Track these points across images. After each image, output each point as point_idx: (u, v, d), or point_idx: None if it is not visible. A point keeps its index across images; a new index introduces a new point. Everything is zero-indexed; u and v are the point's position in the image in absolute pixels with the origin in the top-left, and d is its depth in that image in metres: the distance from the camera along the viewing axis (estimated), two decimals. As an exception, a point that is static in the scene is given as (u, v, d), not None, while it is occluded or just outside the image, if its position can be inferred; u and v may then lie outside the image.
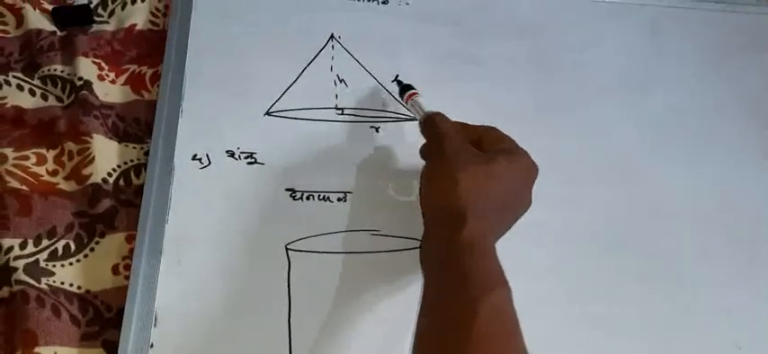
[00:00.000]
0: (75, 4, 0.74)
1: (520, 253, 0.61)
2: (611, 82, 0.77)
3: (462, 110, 0.71)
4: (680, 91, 0.78)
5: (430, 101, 0.72)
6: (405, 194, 0.65)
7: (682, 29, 0.84)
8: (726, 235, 0.67)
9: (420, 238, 0.62)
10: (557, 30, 0.80)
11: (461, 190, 0.51)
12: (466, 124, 0.60)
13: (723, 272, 0.65)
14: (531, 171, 0.56)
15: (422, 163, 0.60)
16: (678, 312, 0.62)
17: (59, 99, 0.67)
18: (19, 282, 0.54)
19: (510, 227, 0.55)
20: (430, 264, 0.52)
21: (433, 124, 0.59)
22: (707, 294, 0.63)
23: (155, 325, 0.54)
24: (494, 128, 0.59)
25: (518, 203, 0.56)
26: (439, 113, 0.60)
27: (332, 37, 0.75)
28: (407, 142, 0.68)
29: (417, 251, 0.62)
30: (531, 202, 0.57)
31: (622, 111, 0.75)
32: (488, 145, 0.57)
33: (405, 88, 0.67)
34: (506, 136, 0.58)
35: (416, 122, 0.72)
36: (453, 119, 0.71)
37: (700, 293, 0.63)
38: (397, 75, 0.71)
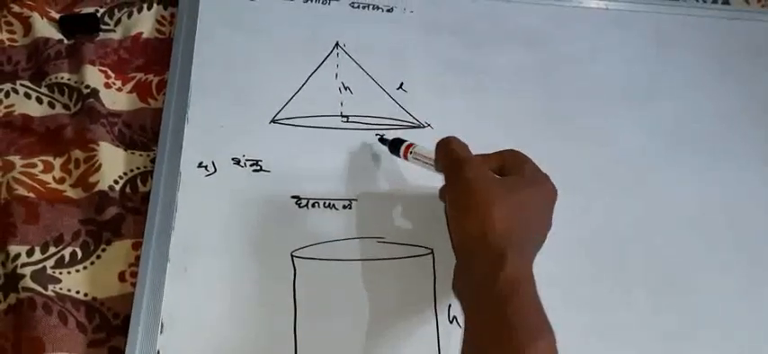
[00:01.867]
0: (82, 12, 0.74)
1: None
2: (616, 90, 0.77)
3: (468, 118, 0.72)
4: (686, 99, 0.78)
5: (435, 109, 0.72)
6: (410, 202, 0.65)
7: (687, 37, 0.84)
8: (732, 244, 0.67)
9: (425, 246, 0.62)
10: (562, 38, 0.81)
11: (497, 224, 0.50)
12: (484, 154, 0.57)
13: (730, 282, 0.65)
14: (553, 195, 0.56)
15: (434, 179, 0.60)
16: (685, 322, 0.62)
17: (66, 107, 0.67)
18: (26, 289, 0.55)
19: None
20: (469, 302, 0.50)
21: (449, 151, 0.56)
22: (714, 304, 0.63)
23: (161, 332, 0.54)
24: (515, 151, 0.57)
25: (544, 229, 0.55)
26: (452, 138, 0.57)
27: (337, 45, 0.75)
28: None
29: (423, 258, 0.62)
30: (551, 225, 0.56)
31: (628, 120, 0.75)
32: (511, 168, 0.56)
33: (396, 143, 0.63)
34: (528, 158, 0.57)
35: (421, 128, 0.73)
36: (459, 127, 0.71)
37: (707, 303, 0.63)
38: (382, 135, 0.66)
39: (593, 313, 0.61)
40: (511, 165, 0.56)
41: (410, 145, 0.62)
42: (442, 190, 0.59)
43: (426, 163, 0.60)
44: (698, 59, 0.82)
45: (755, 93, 0.80)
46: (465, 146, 0.56)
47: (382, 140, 0.65)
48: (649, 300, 0.62)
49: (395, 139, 0.64)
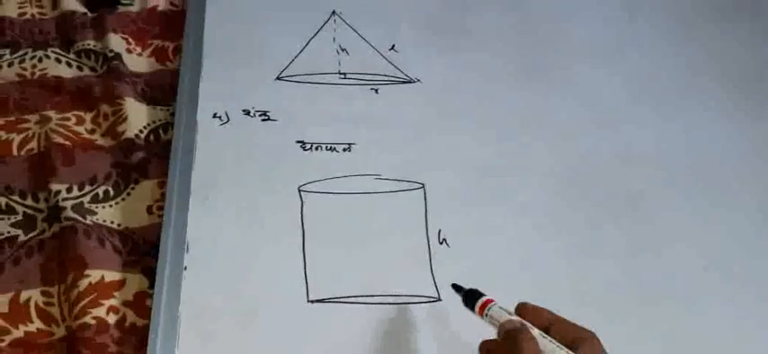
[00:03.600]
0: (103, -12, 0.82)
1: (509, 191, 0.70)
2: (589, 47, 0.85)
3: (453, 73, 0.80)
4: (653, 55, 0.86)
5: (424, 66, 0.81)
6: (401, 144, 0.72)
7: (656, -1, 0.92)
8: (692, 176, 0.75)
9: (416, 181, 0.70)
10: (539, 1, 0.89)
11: None
12: (560, 322, 0.49)
13: (690, 205, 0.72)
14: None
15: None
16: (649, 238, 0.68)
17: (93, 69, 0.76)
18: (68, 218, 0.62)
19: None
20: None
21: (514, 343, 0.47)
22: (676, 224, 0.70)
23: (187, 251, 0.61)
24: (594, 340, 0.48)
25: None
26: (523, 330, 0.48)
27: (334, 13, 0.83)
28: (404, 100, 0.77)
29: (414, 192, 0.70)
30: None
31: (600, 73, 0.83)
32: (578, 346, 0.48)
33: (471, 295, 0.54)
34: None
35: (411, 83, 0.80)
36: (448, 84, 0.79)
37: (669, 223, 0.70)
38: (457, 285, 0.55)
39: (570, 233, 0.68)
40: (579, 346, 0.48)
41: (489, 301, 0.52)
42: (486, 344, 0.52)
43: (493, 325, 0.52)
44: (665, 20, 0.90)
45: (717, 52, 0.87)
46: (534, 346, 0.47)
47: (456, 288, 0.55)
48: (618, 222, 0.69)
49: (470, 291, 0.54)
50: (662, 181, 0.73)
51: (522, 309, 0.51)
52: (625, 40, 0.87)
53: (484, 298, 0.52)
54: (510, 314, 0.50)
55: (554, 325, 0.48)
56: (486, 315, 0.52)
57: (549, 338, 0.48)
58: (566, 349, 0.47)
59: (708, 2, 0.93)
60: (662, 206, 0.71)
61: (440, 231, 0.67)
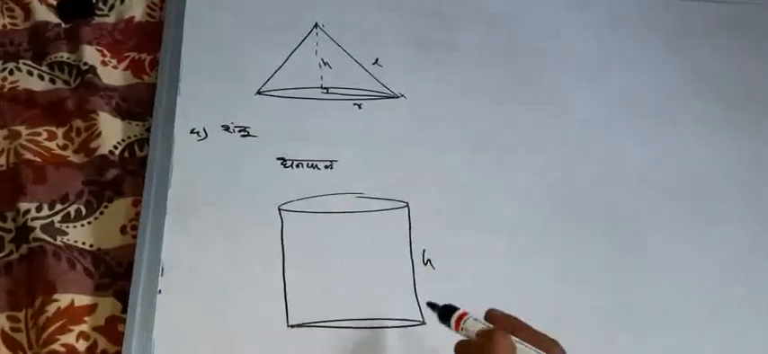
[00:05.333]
0: (78, -2, 0.80)
1: (495, 210, 0.69)
2: (573, 64, 0.84)
3: (438, 89, 0.78)
4: (635, 72, 0.85)
5: (408, 82, 0.79)
6: (384, 161, 0.71)
7: (639, 17, 0.91)
8: (677, 194, 0.74)
9: (400, 200, 0.68)
10: (525, 19, 0.87)
11: None
12: (526, 329, 0.50)
13: (675, 225, 0.71)
14: None
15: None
16: (634, 258, 0.68)
17: (67, 82, 0.73)
18: (37, 239, 0.60)
19: None
20: None
21: (489, 340, 0.49)
22: (660, 244, 0.69)
23: (162, 275, 0.59)
24: (557, 347, 0.50)
25: None
26: (498, 329, 0.49)
27: (316, 25, 0.81)
28: (387, 116, 0.75)
29: (397, 211, 0.68)
30: None
31: (584, 90, 0.82)
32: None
33: (447, 311, 0.53)
34: None
35: (395, 99, 0.79)
36: (433, 101, 0.78)
37: (654, 243, 0.69)
38: (432, 302, 0.54)
39: (551, 253, 0.67)
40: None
41: (464, 314, 0.52)
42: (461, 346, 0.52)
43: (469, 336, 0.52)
44: (648, 38, 0.89)
45: (699, 69, 0.86)
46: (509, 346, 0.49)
47: (431, 306, 0.54)
48: (601, 242, 0.68)
49: (446, 306, 0.53)
50: (647, 200, 0.72)
51: (490, 314, 0.52)
52: (610, 57, 0.86)
53: (459, 312, 0.52)
54: (484, 323, 0.51)
55: (520, 332, 0.50)
56: (463, 329, 0.52)
57: (523, 342, 0.48)
58: (535, 349, 0.48)
59: (692, 18, 0.92)
60: (647, 225, 0.70)
61: (424, 251, 0.65)
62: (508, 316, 0.51)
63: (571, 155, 0.75)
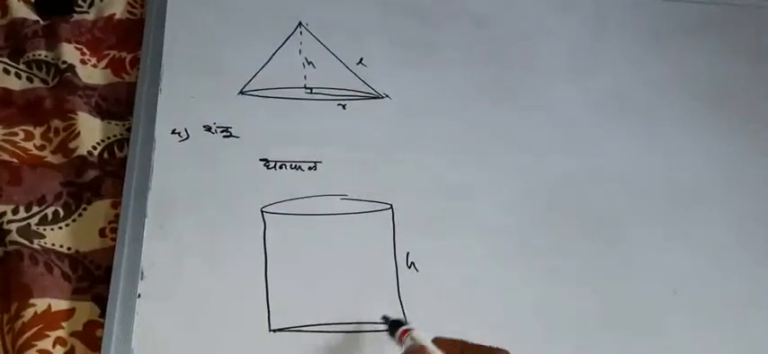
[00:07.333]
0: (57, -6, 0.78)
1: (479, 212, 0.68)
2: (559, 65, 0.84)
3: (423, 90, 0.77)
4: (621, 73, 0.85)
5: (393, 82, 0.78)
6: (368, 163, 0.70)
7: (624, 17, 0.91)
8: (662, 197, 0.74)
9: (384, 201, 0.67)
10: (510, 19, 0.87)
11: None
12: (472, 348, 0.52)
13: (660, 227, 0.71)
14: None
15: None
16: (620, 263, 0.68)
17: (44, 81, 0.71)
18: (13, 242, 0.58)
19: None
20: None
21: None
22: (646, 248, 0.69)
23: (141, 278, 0.58)
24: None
25: None
26: (420, 348, 0.52)
27: (300, 24, 0.80)
28: (372, 117, 0.74)
29: (381, 213, 0.67)
30: None
31: (569, 90, 0.81)
32: None
33: (394, 325, 0.56)
34: None
35: (380, 99, 0.78)
36: (417, 101, 0.77)
37: (639, 246, 0.69)
38: (387, 316, 0.58)
39: (539, 256, 0.67)
40: None
41: (407, 330, 0.54)
42: None
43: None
44: (633, 38, 0.89)
45: (684, 69, 0.86)
46: None
47: (384, 319, 0.58)
48: (589, 245, 0.68)
49: (395, 321, 0.56)
50: (632, 203, 0.72)
51: (436, 341, 0.53)
52: (595, 58, 0.86)
53: (404, 327, 0.54)
54: (426, 342, 0.52)
55: (465, 352, 0.51)
56: (403, 343, 0.54)
57: None
58: None
59: (676, 18, 0.92)
60: (632, 228, 0.70)
61: (408, 254, 0.65)
62: (452, 340, 0.52)
63: (556, 156, 0.75)
